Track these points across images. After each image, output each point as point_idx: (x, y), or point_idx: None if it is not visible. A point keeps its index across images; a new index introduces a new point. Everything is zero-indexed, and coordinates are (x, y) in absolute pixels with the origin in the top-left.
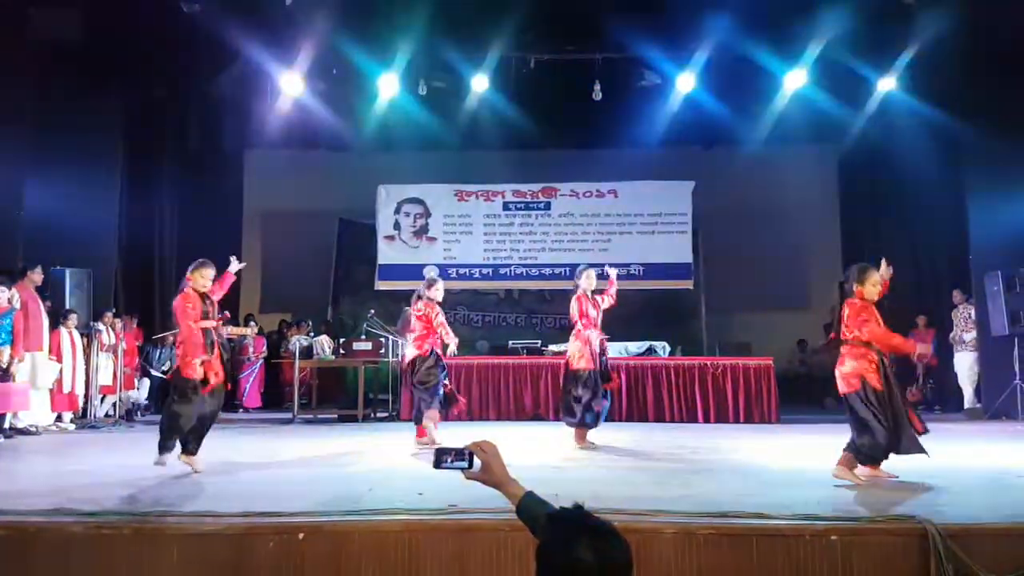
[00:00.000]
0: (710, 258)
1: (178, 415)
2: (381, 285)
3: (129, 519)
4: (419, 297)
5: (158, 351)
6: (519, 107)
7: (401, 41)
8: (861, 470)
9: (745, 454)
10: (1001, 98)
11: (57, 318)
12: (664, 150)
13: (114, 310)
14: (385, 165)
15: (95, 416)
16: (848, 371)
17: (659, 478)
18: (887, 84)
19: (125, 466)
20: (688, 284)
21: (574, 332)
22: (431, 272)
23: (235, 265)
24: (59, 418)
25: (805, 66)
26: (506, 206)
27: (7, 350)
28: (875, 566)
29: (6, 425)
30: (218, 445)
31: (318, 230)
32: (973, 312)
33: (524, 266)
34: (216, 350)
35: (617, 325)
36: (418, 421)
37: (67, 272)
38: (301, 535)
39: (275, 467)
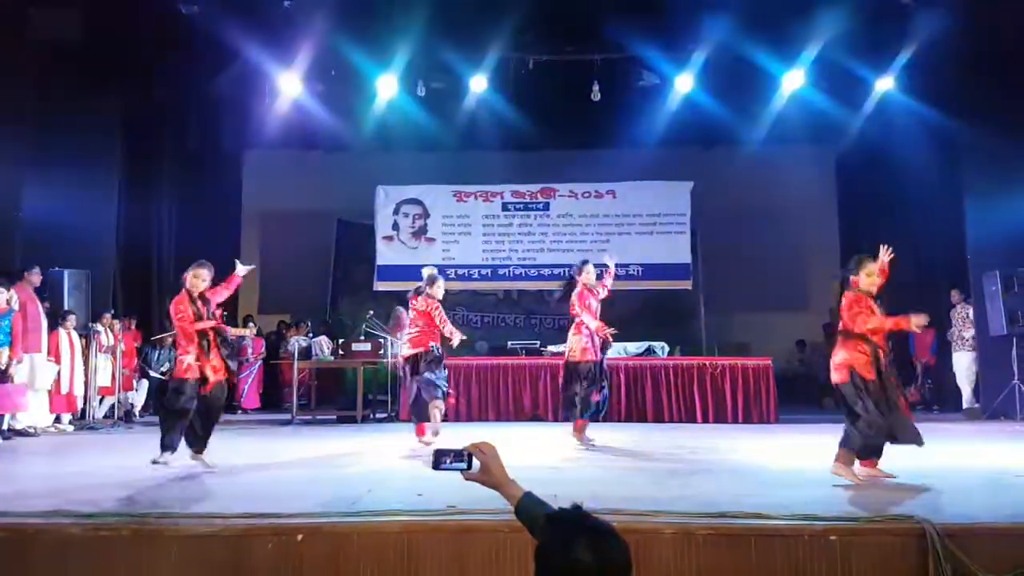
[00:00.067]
0: (709, 258)
1: (170, 414)
2: (380, 286)
3: (127, 520)
4: (419, 293)
5: (157, 352)
6: (518, 108)
7: (400, 42)
8: (859, 469)
9: (744, 454)
10: (999, 98)
11: (55, 319)
12: (663, 150)
13: (112, 311)
14: (384, 166)
15: (94, 417)
16: (839, 361)
17: (658, 478)
18: (885, 84)
19: (123, 467)
20: (687, 284)
21: (575, 325)
22: (432, 269)
23: (242, 269)
24: (57, 419)
25: (803, 66)
26: (505, 207)
27: (5, 351)
28: (874, 566)
29: (4, 427)
30: (217, 446)
31: (317, 231)
32: (971, 312)
33: (523, 267)
34: (213, 350)
35: (616, 325)
36: (419, 419)
37: (65, 273)
38: (300, 536)
39: (274, 468)
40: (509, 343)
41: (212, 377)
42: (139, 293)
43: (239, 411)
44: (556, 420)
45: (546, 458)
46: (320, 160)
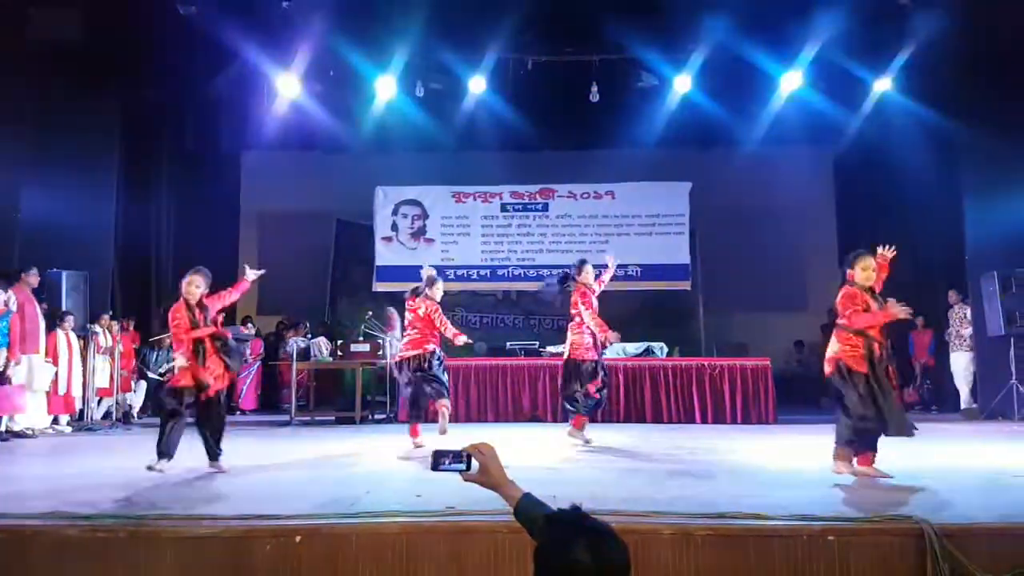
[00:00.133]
0: (707, 259)
1: (162, 416)
2: (379, 287)
3: (125, 522)
4: (416, 294)
5: (155, 353)
6: (516, 108)
7: (398, 42)
8: (857, 468)
9: (742, 455)
10: (996, 98)
11: (53, 320)
12: (661, 151)
13: (111, 312)
14: (382, 166)
15: (92, 419)
16: (829, 355)
17: (656, 479)
18: (883, 85)
19: (121, 469)
20: (686, 285)
21: (575, 324)
22: (430, 271)
23: (252, 273)
24: (55, 421)
25: (801, 67)
26: (504, 207)
27: (3, 353)
28: (872, 566)
29: (2, 428)
30: None
31: (315, 231)
32: (968, 312)
33: (522, 267)
34: (212, 357)
35: (615, 326)
36: (416, 419)
37: (63, 274)
38: (298, 538)
39: (272, 469)
40: (508, 344)
41: (211, 384)
42: (137, 294)
43: (237, 412)
44: (555, 421)
45: (545, 459)
46: (319, 161)
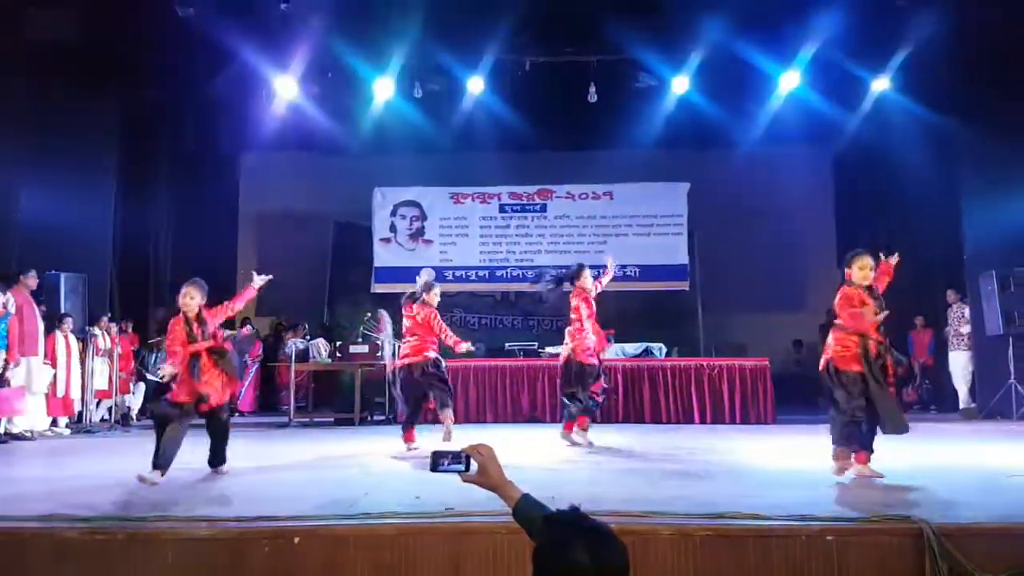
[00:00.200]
0: (706, 259)
1: (154, 420)
2: (377, 288)
3: (124, 524)
4: (414, 300)
5: (154, 355)
6: (515, 109)
7: (396, 44)
8: (854, 467)
9: (741, 455)
10: (994, 98)
11: (52, 323)
12: (660, 152)
13: (109, 314)
14: (381, 168)
15: (91, 421)
16: (825, 352)
17: (655, 479)
18: (881, 85)
19: (120, 471)
20: (684, 285)
21: (577, 328)
22: (428, 275)
23: (258, 280)
24: (54, 423)
25: (799, 67)
26: (502, 208)
27: (2, 355)
28: (870, 566)
29: (1, 430)
30: None
31: (314, 233)
32: (966, 311)
33: (520, 268)
34: (210, 371)
35: (614, 327)
36: (410, 424)
37: (62, 276)
38: (297, 539)
39: (271, 470)
40: (507, 344)
41: (210, 398)
42: (136, 296)
43: (236, 413)
44: (554, 421)
45: (544, 459)
46: (317, 162)
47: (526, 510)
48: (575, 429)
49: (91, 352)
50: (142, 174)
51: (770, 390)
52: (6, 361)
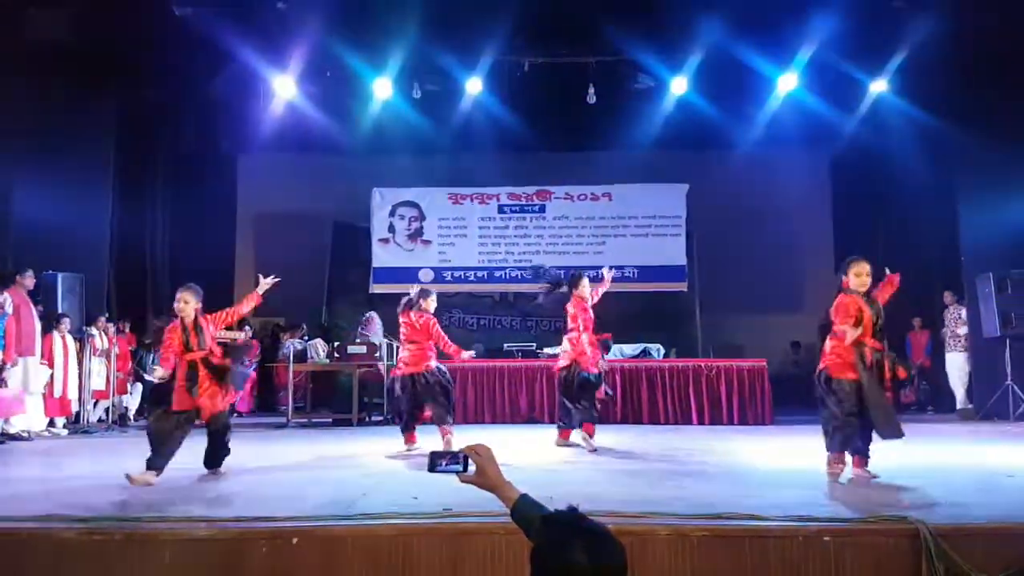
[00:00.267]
0: (704, 260)
1: (155, 435)
2: (376, 288)
3: (121, 524)
4: (410, 307)
5: (151, 355)
6: (513, 110)
7: (395, 44)
8: (849, 469)
9: (739, 455)
10: (992, 100)
11: (50, 323)
12: (658, 153)
13: (107, 314)
14: (379, 168)
15: (88, 421)
16: (823, 359)
17: (653, 480)
18: (879, 87)
19: (117, 471)
20: (682, 286)
21: (575, 336)
22: (426, 275)
23: (264, 284)
24: (52, 423)
25: (797, 69)
26: (501, 209)
27: None
28: (867, 566)
29: None
30: None
31: (312, 233)
32: (963, 312)
33: (519, 269)
34: (205, 381)
35: (612, 327)
36: (410, 427)
37: (59, 276)
38: (295, 540)
39: (269, 471)
40: (505, 345)
41: (206, 407)
42: (133, 296)
43: (234, 413)
44: (552, 422)
45: (542, 460)
46: (315, 162)
47: (524, 510)
48: (583, 435)
49: (88, 352)
50: (140, 174)
51: (768, 391)
52: (3, 361)
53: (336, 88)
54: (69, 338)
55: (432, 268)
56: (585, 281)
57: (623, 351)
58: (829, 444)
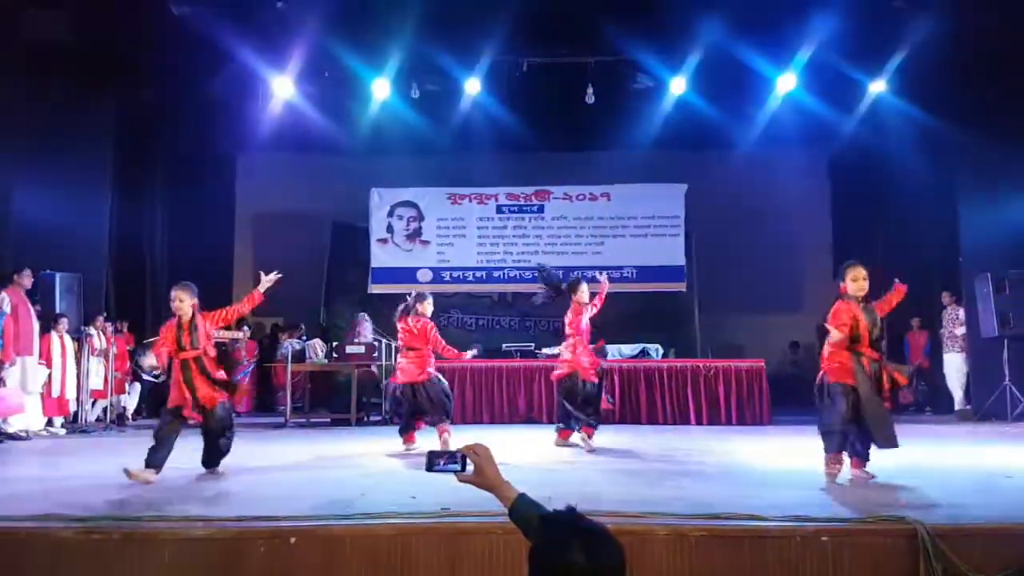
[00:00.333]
0: (703, 261)
1: (159, 438)
2: (374, 288)
3: (120, 524)
4: (407, 313)
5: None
6: (512, 110)
7: (393, 44)
8: (850, 470)
9: (737, 455)
10: (991, 101)
11: (48, 323)
12: (657, 153)
13: (105, 314)
14: (378, 168)
15: (86, 421)
16: (822, 364)
17: (651, 480)
18: (878, 87)
19: (116, 471)
20: (681, 287)
21: (574, 343)
22: (425, 275)
23: (265, 282)
24: (50, 423)
25: (796, 69)
26: (499, 209)
27: None
28: (865, 566)
29: None
30: None
31: (311, 233)
32: (961, 313)
33: (517, 269)
34: (198, 379)
35: (611, 327)
36: (407, 429)
37: (57, 276)
38: (293, 539)
39: (267, 471)
40: (503, 345)
41: (203, 406)
42: (132, 296)
43: (232, 414)
44: (550, 422)
45: (540, 460)
46: (314, 162)
47: (522, 510)
48: (582, 436)
49: (86, 352)
50: (138, 174)
51: (766, 391)
52: (1, 361)
53: (335, 88)
54: (67, 338)
55: (431, 268)
56: (583, 287)
57: (622, 351)
58: (827, 445)
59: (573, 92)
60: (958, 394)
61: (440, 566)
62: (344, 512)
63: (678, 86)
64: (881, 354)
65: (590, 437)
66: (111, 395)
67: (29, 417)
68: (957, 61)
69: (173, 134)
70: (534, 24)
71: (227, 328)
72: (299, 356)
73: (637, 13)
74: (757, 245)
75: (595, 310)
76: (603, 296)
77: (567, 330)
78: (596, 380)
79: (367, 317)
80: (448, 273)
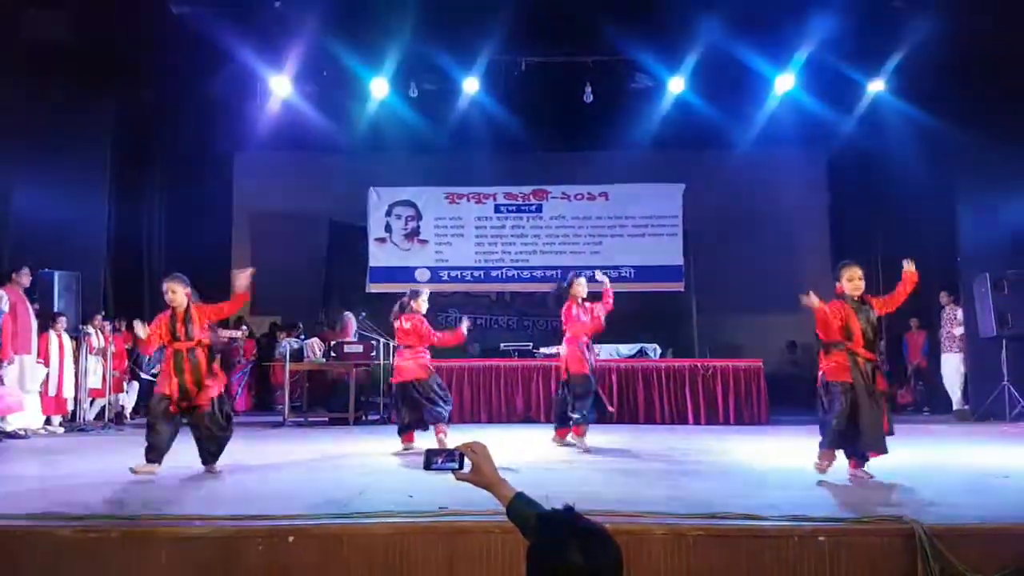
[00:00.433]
0: (701, 260)
1: (150, 427)
2: (372, 288)
3: (118, 522)
4: (403, 310)
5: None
6: (510, 109)
7: (391, 43)
8: (849, 471)
9: (735, 455)
10: (989, 101)
11: (46, 321)
12: (655, 152)
13: (103, 313)
14: (376, 167)
15: (84, 419)
16: (820, 364)
17: (649, 479)
18: (876, 87)
19: (114, 469)
20: (679, 286)
21: (568, 338)
22: (423, 274)
23: (242, 281)
24: (48, 421)
25: (795, 69)
26: (497, 208)
27: None
28: (862, 566)
29: None
30: None
31: (309, 232)
32: (959, 313)
33: (516, 268)
34: (188, 371)
35: (608, 327)
36: (404, 429)
37: (56, 274)
38: (291, 538)
39: (265, 470)
40: (501, 345)
41: (191, 399)
42: (130, 295)
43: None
44: (548, 422)
45: (538, 459)
46: (312, 162)
47: (520, 509)
48: (574, 437)
49: (85, 351)
50: (137, 172)
51: (764, 391)
52: None
53: (333, 87)
54: (65, 336)
55: (428, 267)
56: (580, 281)
57: (619, 351)
58: (823, 440)
59: (571, 92)
60: (956, 394)
61: (438, 565)
62: (342, 511)
63: (676, 86)
64: (877, 355)
65: (581, 436)
66: (109, 394)
67: (27, 416)
68: (956, 61)
69: (172, 134)
70: (532, 23)
71: (225, 326)
72: (297, 355)
73: (636, 13)
74: (755, 245)
75: (607, 309)
76: (610, 293)
77: (564, 324)
78: (583, 373)
79: (352, 316)
80: (446, 272)
